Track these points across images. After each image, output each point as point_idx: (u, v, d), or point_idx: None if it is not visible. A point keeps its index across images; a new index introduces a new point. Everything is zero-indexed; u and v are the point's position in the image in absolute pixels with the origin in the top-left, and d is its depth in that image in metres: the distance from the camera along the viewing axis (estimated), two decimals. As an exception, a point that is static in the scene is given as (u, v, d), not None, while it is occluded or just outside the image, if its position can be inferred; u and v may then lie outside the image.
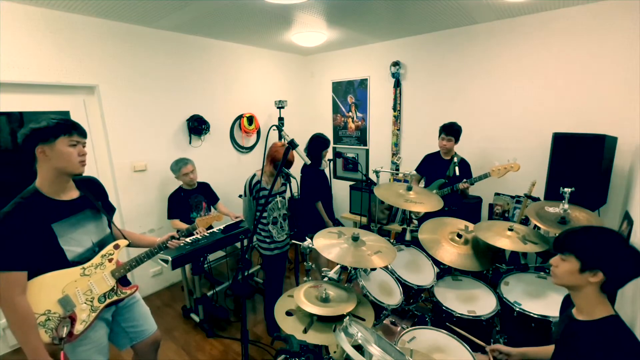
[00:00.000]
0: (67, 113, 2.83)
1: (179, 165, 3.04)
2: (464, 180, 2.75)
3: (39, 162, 1.37)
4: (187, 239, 2.71)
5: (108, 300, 1.55)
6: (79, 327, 1.44)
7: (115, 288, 1.58)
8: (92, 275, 1.51)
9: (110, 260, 1.57)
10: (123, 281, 1.65)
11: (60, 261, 1.42)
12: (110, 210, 1.70)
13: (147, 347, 1.81)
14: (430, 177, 3.07)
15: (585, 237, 1.16)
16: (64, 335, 1.36)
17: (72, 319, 1.43)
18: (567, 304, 1.32)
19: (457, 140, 2.93)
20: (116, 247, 1.60)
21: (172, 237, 1.78)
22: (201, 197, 3.17)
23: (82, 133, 1.46)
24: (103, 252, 1.56)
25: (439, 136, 2.96)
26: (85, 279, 1.48)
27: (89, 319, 1.47)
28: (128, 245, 1.69)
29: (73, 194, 1.51)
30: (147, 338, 1.80)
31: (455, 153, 2.94)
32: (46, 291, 1.39)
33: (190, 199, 3.10)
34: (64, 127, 1.39)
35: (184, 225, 2.94)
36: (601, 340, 1.08)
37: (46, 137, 1.35)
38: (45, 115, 1.45)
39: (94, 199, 1.59)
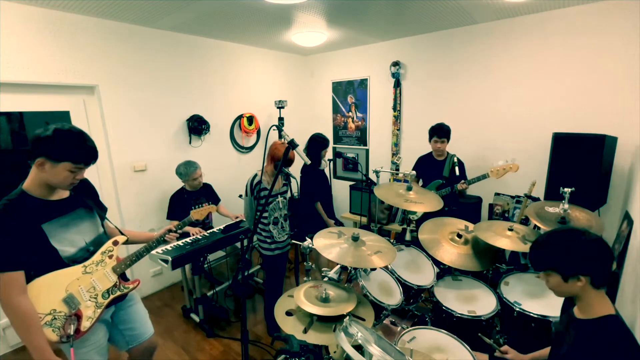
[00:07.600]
0: (67, 113, 2.83)
1: (190, 170, 3.01)
2: (462, 181, 2.75)
3: (33, 167, 1.34)
4: (188, 239, 2.71)
5: (112, 296, 1.57)
6: (85, 324, 1.46)
7: (117, 284, 1.60)
8: (94, 273, 1.52)
9: (110, 257, 1.59)
10: (123, 277, 1.66)
11: (55, 261, 1.41)
12: (102, 209, 1.68)
13: (141, 352, 1.80)
14: (425, 179, 3.08)
15: (550, 251, 1.18)
16: (71, 333, 1.39)
17: (78, 317, 1.45)
18: (568, 304, 1.33)
19: (448, 140, 2.93)
20: (115, 243, 1.62)
21: (170, 231, 1.78)
22: (203, 199, 3.16)
23: (91, 162, 1.41)
24: (102, 249, 1.57)
25: (431, 139, 2.97)
26: (88, 276, 1.50)
27: (95, 315, 1.49)
28: (126, 242, 1.69)
29: (63, 193, 1.47)
30: (142, 343, 1.78)
31: (448, 153, 2.94)
32: (50, 291, 1.40)
33: (192, 201, 3.09)
34: (77, 156, 1.35)
35: (183, 226, 2.94)
36: (598, 338, 1.09)
37: (53, 156, 1.31)
38: (59, 121, 1.35)
39: (85, 198, 1.57)
